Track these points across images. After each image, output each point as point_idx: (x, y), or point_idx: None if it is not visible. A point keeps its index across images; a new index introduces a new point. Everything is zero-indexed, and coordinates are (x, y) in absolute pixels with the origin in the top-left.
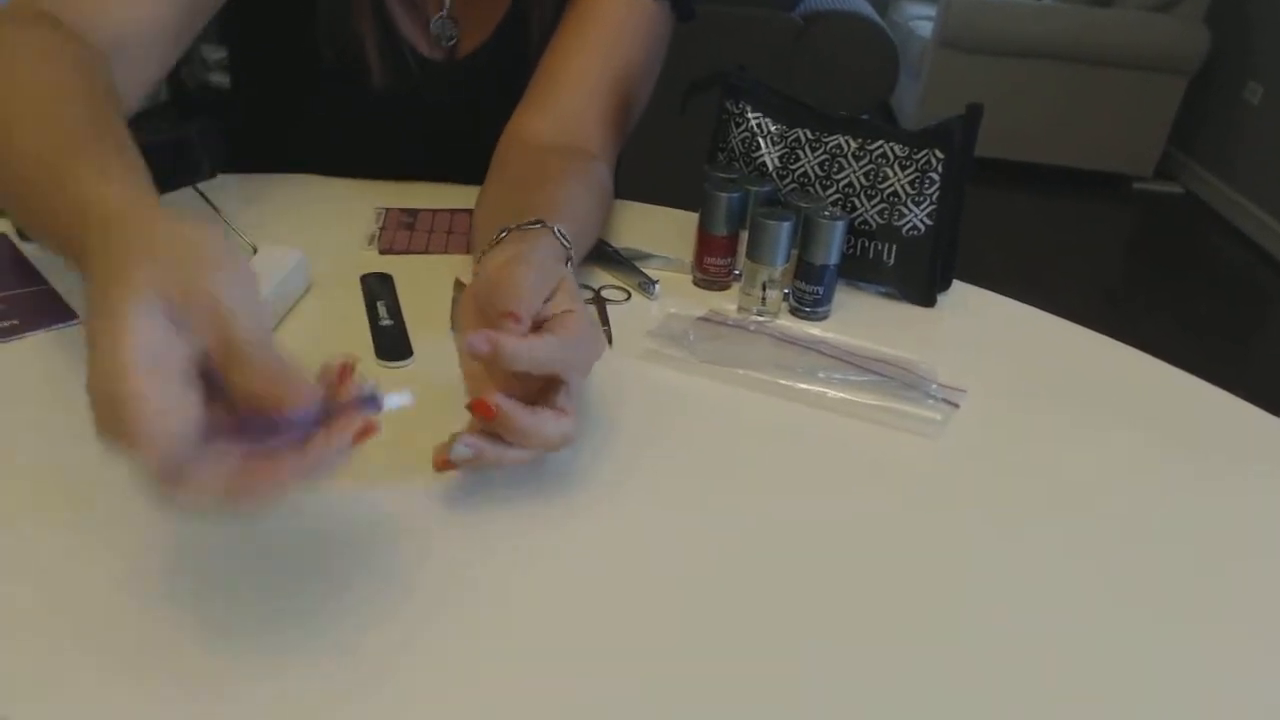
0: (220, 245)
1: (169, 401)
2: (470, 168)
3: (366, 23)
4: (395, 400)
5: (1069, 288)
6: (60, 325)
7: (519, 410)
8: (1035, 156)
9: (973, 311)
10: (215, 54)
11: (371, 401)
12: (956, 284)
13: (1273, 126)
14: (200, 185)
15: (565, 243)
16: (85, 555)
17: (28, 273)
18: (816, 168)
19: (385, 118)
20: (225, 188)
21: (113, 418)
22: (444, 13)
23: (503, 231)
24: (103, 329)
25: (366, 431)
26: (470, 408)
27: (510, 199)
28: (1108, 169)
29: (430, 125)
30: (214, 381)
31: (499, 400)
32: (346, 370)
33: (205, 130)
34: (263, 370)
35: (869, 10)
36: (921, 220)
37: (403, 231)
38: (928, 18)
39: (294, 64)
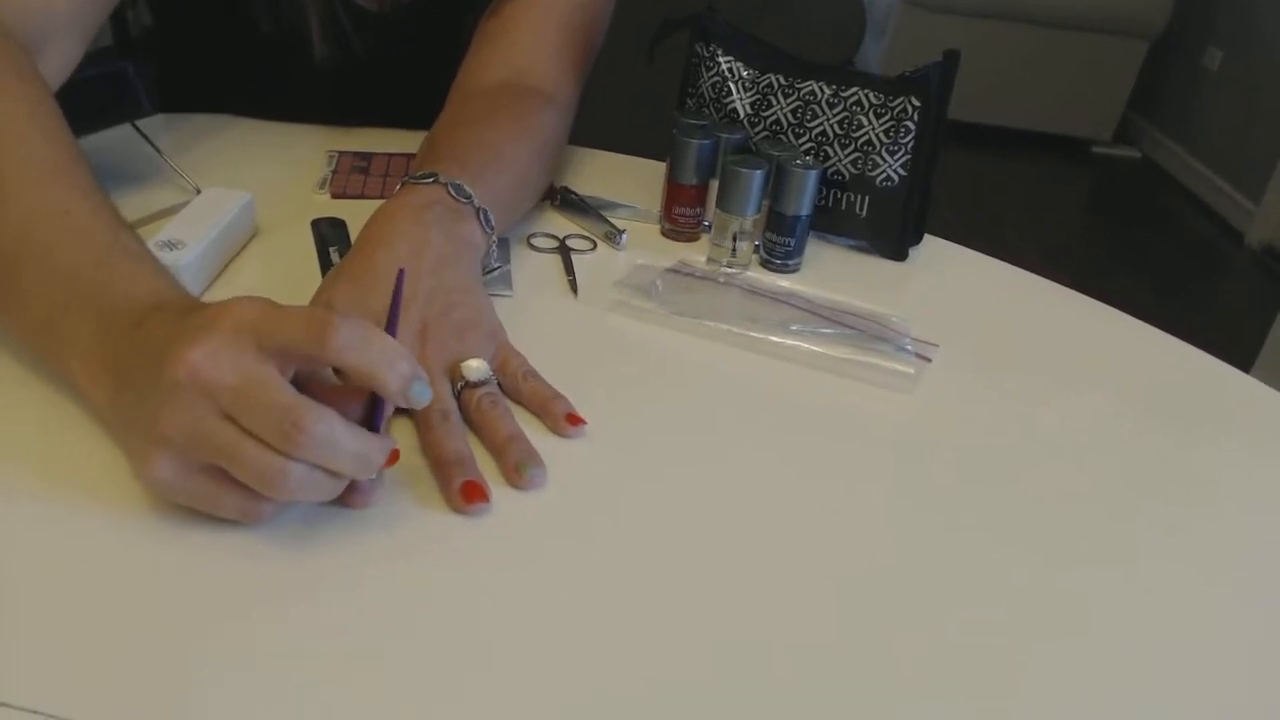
0: None
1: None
2: (419, 118)
3: None
4: None
5: (1026, 249)
6: None
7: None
8: (995, 118)
9: (944, 266)
10: None
11: None
12: (927, 238)
13: (1231, 93)
14: (139, 123)
15: (459, 196)
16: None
17: None
18: (789, 115)
19: (327, 75)
20: (165, 127)
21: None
22: None
23: (400, 182)
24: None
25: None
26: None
27: (440, 138)
28: (1067, 132)
29: (374, 79)
30: None
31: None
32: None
33: (142, 66)
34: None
35: None
36: (895, 171)
37: (356, 176)
38: None
39: (227, 32)
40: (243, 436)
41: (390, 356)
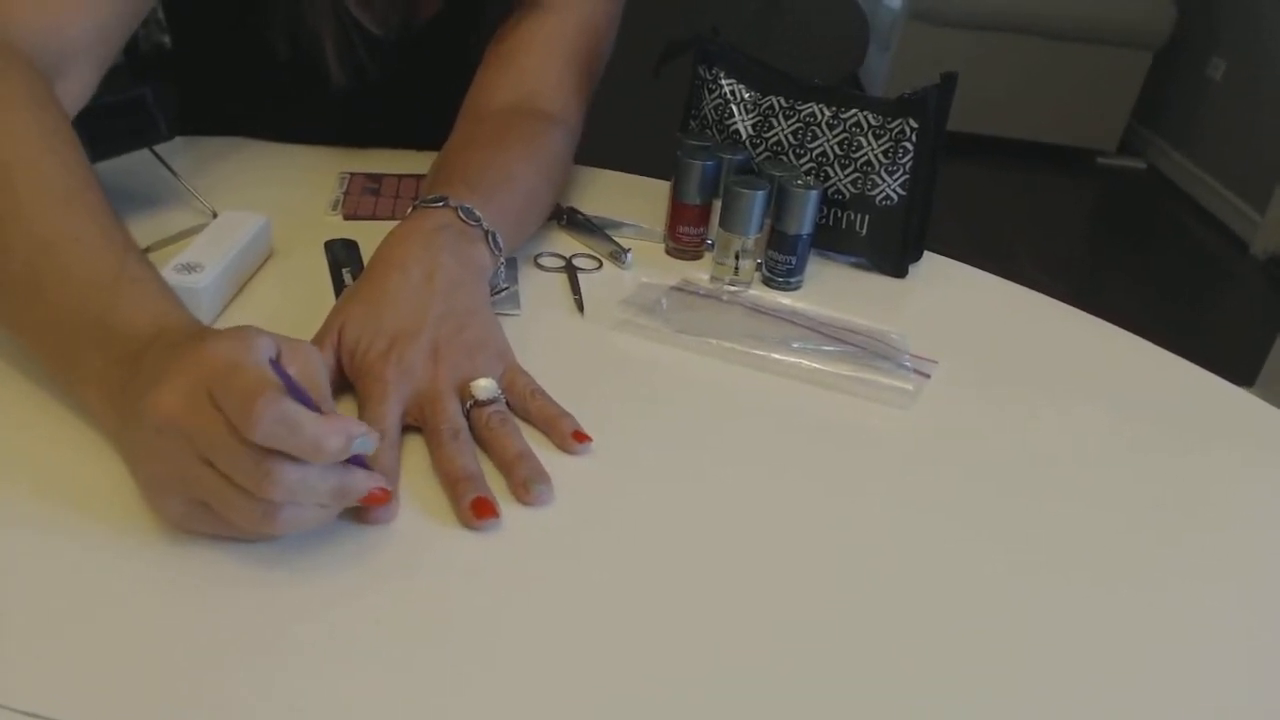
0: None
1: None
2: (428, 139)
3: (325, 20)
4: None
5: (1031, 261)
6: None
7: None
8: (1000, 130)
9: (944, 283)
10: None
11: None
12: (927, 255)
13: (1234, 103)
14: (156, 148)
15: (468, 219)
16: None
17: None
18: (790, 136)
19: (339, 98)
20: (181, 151)
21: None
22: None
23: (411, 205)
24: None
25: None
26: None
27: (450, 160)
28: (1072, 143)
29: (386, 101)
30: None
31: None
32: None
33: (159, 91)
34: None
35: None
36: (895, 190)
37: (367, 197)
38: None
39: (244, 56)
40: (225, 484)
41: (317, 438)
